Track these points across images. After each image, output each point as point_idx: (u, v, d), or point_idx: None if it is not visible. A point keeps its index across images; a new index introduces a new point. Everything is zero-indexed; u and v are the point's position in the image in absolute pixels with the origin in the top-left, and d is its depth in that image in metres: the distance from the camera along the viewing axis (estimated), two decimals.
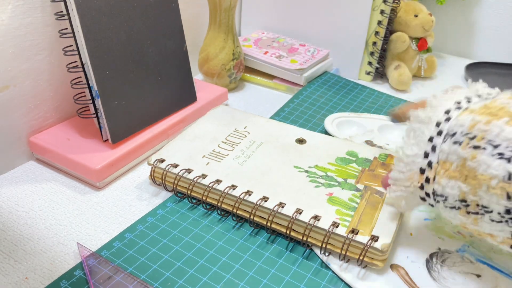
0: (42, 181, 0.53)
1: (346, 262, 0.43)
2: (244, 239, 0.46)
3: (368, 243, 0.41)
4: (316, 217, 0.44)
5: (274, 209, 0.45)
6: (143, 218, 0.48)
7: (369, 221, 0.44)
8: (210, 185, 0.48)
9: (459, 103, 0.37)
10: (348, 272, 0.42)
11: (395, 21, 0.79)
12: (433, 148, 0.37)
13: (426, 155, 0.37)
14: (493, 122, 0.34)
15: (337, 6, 0.79)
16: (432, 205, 0.39)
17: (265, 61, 0.78)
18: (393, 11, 0.77)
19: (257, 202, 0.46)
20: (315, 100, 0.73)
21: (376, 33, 0.78)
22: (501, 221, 0.34)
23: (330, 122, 0.64)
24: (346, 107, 0.71)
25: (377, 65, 0.81)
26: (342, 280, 0.41)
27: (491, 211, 0.34)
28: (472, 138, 0.34)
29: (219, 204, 0.47)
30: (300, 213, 0.44)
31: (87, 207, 0.49)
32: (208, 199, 0.48)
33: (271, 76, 0.80)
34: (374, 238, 0.41)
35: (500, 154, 0.33)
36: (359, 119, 0.65)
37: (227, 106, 0.64)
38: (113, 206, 0.50)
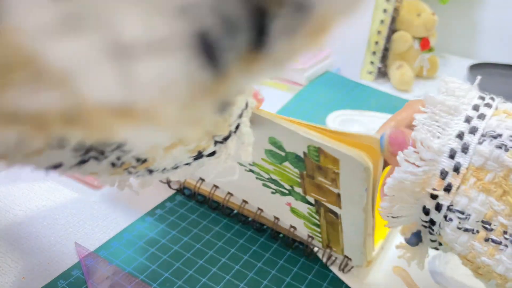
0: (39, 180, 0.52)
1: (331, 264, 0.43)
2: (244, 239, 0.45)
3: (344, 261, 0.41)
4: (292, 227, 0.44)
5: (257, 213, 0.45)
6: (142, 218, 0.47)
7: (337, 242, 0.40)
8: (212, 191, 0.48)
9: (483, 98, 0.31)
10: (349, 274, 0.41)
11: (398, 20, 0.78)
12: (464, 148, 0.28)
13: (452, 154, 0.28)
14: None
15: None
16: (432, 226, 0.30)
17: None
18: (396, 10, 0.77)
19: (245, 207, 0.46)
20: (316, 99, 0.72)
21: (378, 32, 0.77)
22: None
23: (332, 119, 0.64)
24: (347, 107, 0.71)
25: (379, 65, 0.81)
26: (343, 282, 0.41)
27: None
28: None
29: (224, 204, 0.47)
30: (278, 220, 0.44)
31: (85, 206, 0.49)
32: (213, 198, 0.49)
33: None
34: (348, 258, 0.41)
35: None
36: (361, 117, 0.65)
37: None
38: (111, 205, 0.49)
